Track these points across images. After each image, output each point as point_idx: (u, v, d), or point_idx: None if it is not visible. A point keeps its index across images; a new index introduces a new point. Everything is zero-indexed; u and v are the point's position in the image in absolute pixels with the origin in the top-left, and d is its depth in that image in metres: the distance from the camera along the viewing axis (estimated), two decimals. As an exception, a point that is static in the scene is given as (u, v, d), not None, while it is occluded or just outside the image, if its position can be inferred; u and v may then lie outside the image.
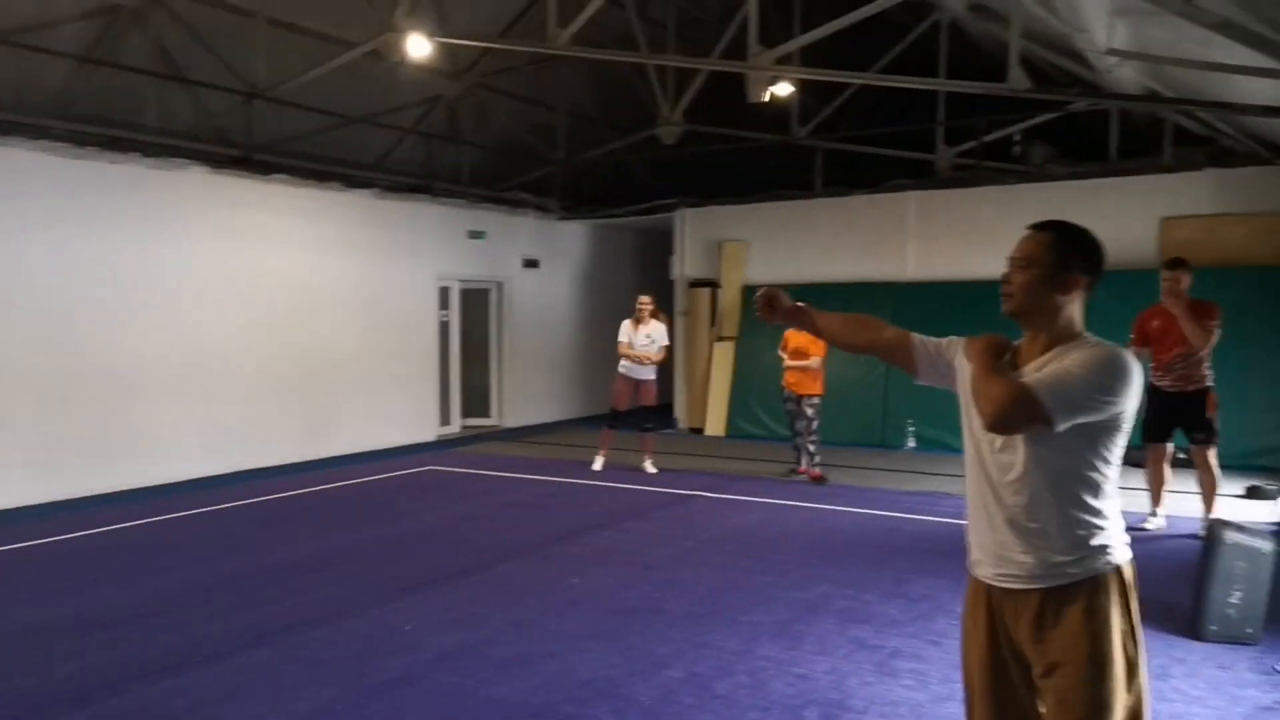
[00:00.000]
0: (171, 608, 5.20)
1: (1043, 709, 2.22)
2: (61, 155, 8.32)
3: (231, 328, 9.65)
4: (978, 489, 2.32)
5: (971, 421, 2.32)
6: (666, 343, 9.65)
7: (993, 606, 2.28)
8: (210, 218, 9.46)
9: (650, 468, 9.58)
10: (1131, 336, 6.76)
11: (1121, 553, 2.23)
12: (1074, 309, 2.25)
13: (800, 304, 2.70)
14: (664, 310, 14.43)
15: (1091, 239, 2.28)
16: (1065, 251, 2.23)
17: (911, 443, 10.90)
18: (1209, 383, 6.46)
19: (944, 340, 2.52)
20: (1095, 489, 2.19)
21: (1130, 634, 2.18)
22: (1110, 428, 2.16)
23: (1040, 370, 2.19)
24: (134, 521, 7.41)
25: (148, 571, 5.96)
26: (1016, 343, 2.35)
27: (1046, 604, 2.18)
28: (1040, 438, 2.15)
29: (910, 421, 10.97)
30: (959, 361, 2.43)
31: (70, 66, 8.69)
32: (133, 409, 8.78)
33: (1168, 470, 6.80)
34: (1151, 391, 6.55)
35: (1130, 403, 2.15)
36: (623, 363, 9.57)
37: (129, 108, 9.53)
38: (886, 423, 11.14)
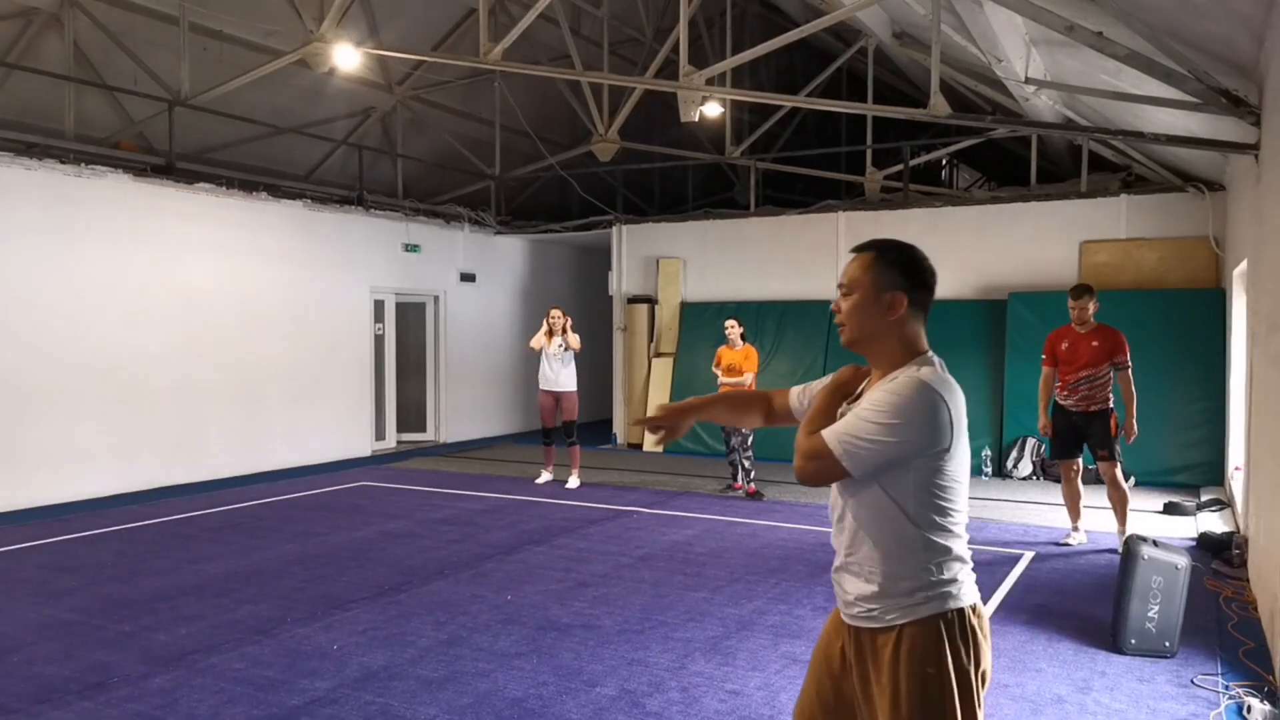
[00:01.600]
0: (88, 628, 5.00)
1: None
2: (-27, 160, 8.01)
3: (154, 340, 9.36)
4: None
5: None
6: (577, 346, 9.57)
7: (843, 636, 2.20)
8: (131, 226, 9.17)
9: (573, 481, 9.58)
10: (1043, 356, 7.02)
11: (958, 598, 2.07)
12: (907, 330, 2.12)
13: (686, 404, 2.57)
14: (603, 326, 14.47)
15: (909, 254, 2.15)
16: (883, 269, 2.12)
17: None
18: (1111, 404, 6.73)
19: (818, 382, 2.36)
20: (919, 529, 2.05)
21: (960, 685, 2.02)
22: (922, 466, 2.02)
23: (854, 406, 2.11)
24: (40, 540, 7.11)
25: (60, 592, 5.72)
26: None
27: (870, 643, 2.11)
28: (850, 482, 2.08)
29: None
30: None
31: (-16, 69, 8.40)
32: (43, 423, 8.45)
33: (1081, 485, 7.02)
34: (1057, 410, 6.85)
35: (932, 437, 2.00)
36: (541, 378, 9.56)
37: (46, 113, 9.23)
38: (819, 439, 11.28)
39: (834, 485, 2.15)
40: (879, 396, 2.04)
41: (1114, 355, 6.61)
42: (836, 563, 2.20)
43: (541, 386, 9.58)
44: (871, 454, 2.00)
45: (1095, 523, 7.30)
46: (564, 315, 9.66)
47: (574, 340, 9.49)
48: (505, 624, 5.10)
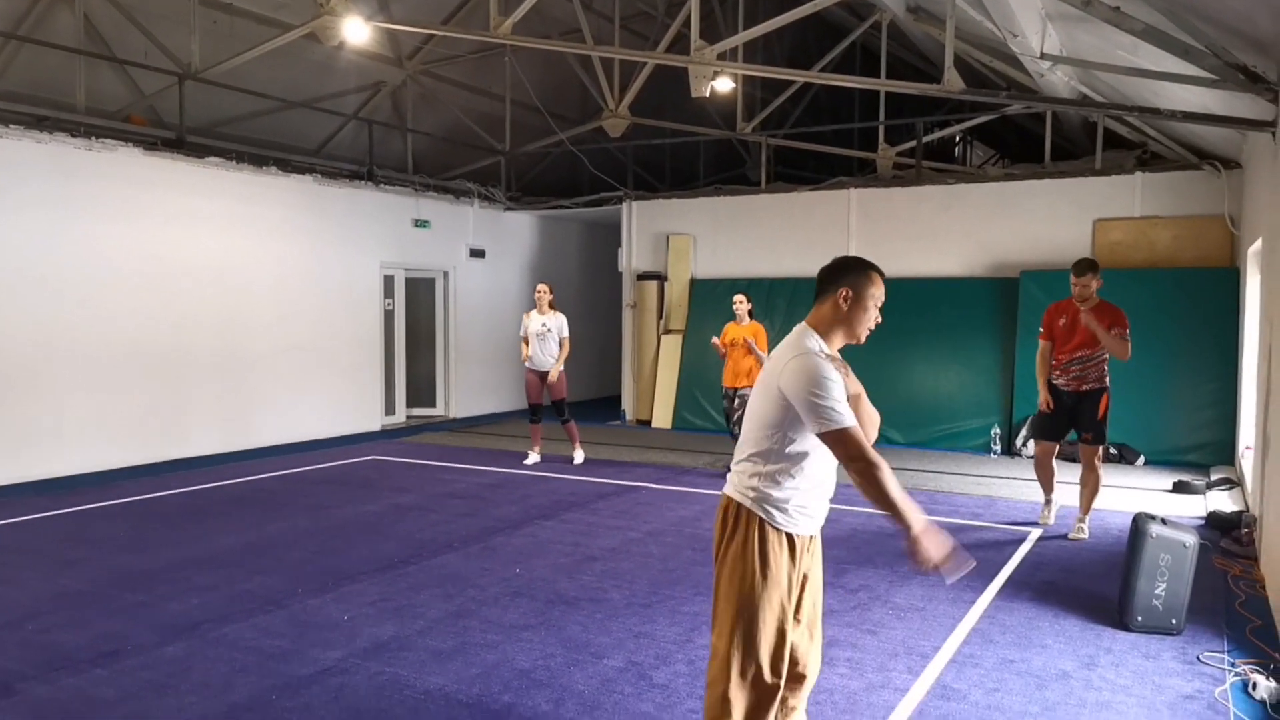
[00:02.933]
0: (103, 598, 5.06)
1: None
2: (-15, 133, 8.03)
3: (166, 314, 9.41)
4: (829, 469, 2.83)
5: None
6: (565, 334, 9.38)
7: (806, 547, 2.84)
8: (142, 200, 9.19)
9: (578, 456, 9.58)
10: (1040, 330, 6.77)
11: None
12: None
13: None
14: (612, 303, 14.46)
15: (842, 261, 2.91)
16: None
17: (852, 437, 11.06)
18: (1107, 383, 6.49)
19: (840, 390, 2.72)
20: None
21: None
22: None
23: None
24: (52, 512, 7.19)
25: (73, 562, 5.79)
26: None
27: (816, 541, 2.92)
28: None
29: (851, 416, 11.14)
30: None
31: (-5, 42, 8.40)
32: (55, 396, 8.52)
33: (1055, 465, 6.82)
34: (1049, 389, 6.60)
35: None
36: (528, 357, 9.45)
37: (57, 87, 9.24)
38: (828, 417, 11.30)
39: (833, 447, 2.68)
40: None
41: (1113, 329, 6.29)
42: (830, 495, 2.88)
43: (528, 365, 9.49)
44: None
45: (1103, 502, 7.29)
46: (550, 290, 9.54)
47: (559, 366, 9.33)
48: (514, 597, 5.14)
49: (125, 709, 3.70)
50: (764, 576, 2.71)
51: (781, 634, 2.73)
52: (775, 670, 2.73)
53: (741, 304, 8.86)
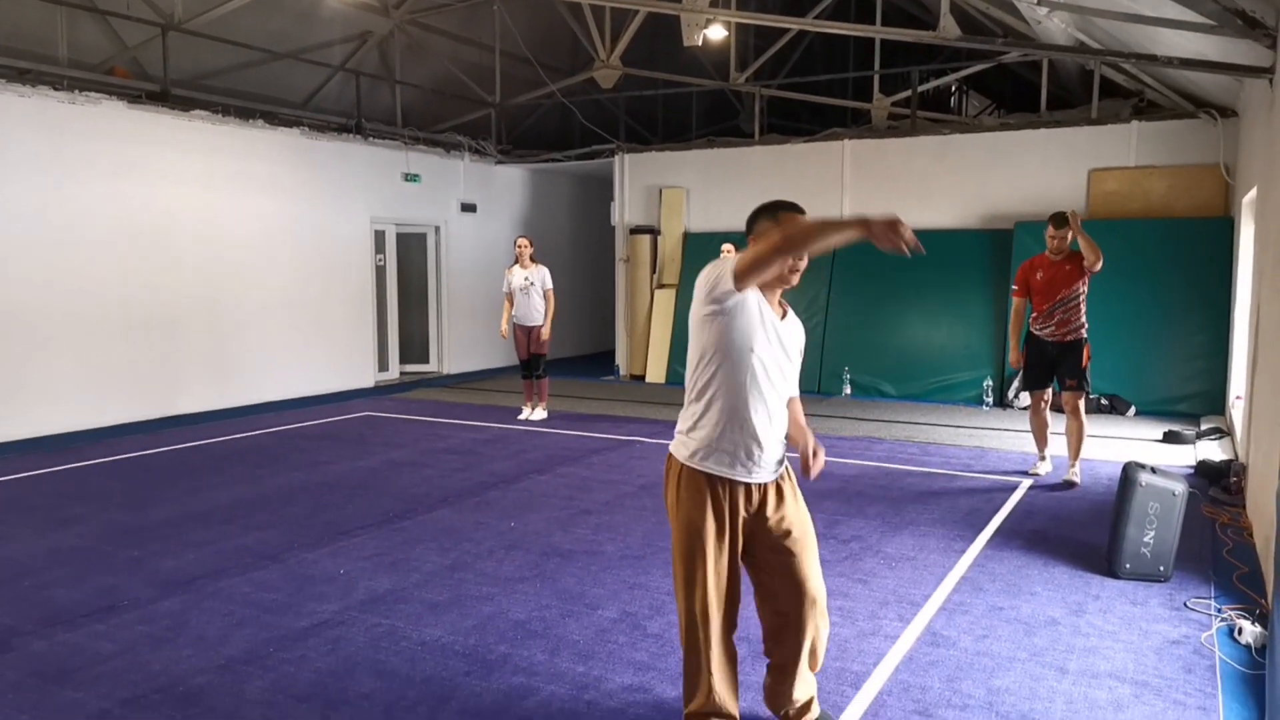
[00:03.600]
0: (98, 554, 5.09)
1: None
2: (-36, 87, 7.88)
3: (155, 270, 9.34)
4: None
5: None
6: (549, 286, 9.37)
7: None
8: (129, 155, 9.07)
9: (538, 414, 9.56)
10: (1014, 288, 6.89)
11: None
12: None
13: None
14: (605, 257, 14.38)
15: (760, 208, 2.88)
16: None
17: (847, 389, 11.10)
18: (1085, 334, 6.61)
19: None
20: None
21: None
22: None
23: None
24: (46, 469, 7.20)
25: (68, 519, 5.80)
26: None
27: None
28: None
29: (846, 369, 11.16)
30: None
31: (-29, -8, 8.21)
32: (43, 355, 8.48)
33: (1049, 415, 6.97)
34: (1030, 341, 6.77)
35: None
36: (513, 312, 9.44)
37: (37, 38, 9.06)
38: (824, 370, 11.32)
39: (746, 275, 2.72)
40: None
41: (1084, 263, 6.43)
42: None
43: (515, 320, 9.46)
44: None
45: (1093, 452, 7.34)
46: (530, 244, 9.49)
47: (547, 325, 9.36)
48: (508, 550, 5.17)
49: (123, 662, 3.73)
50: (682, 516, 2.81)
51: (704, 574, 2.79)
52: (703, 612, 2.80)
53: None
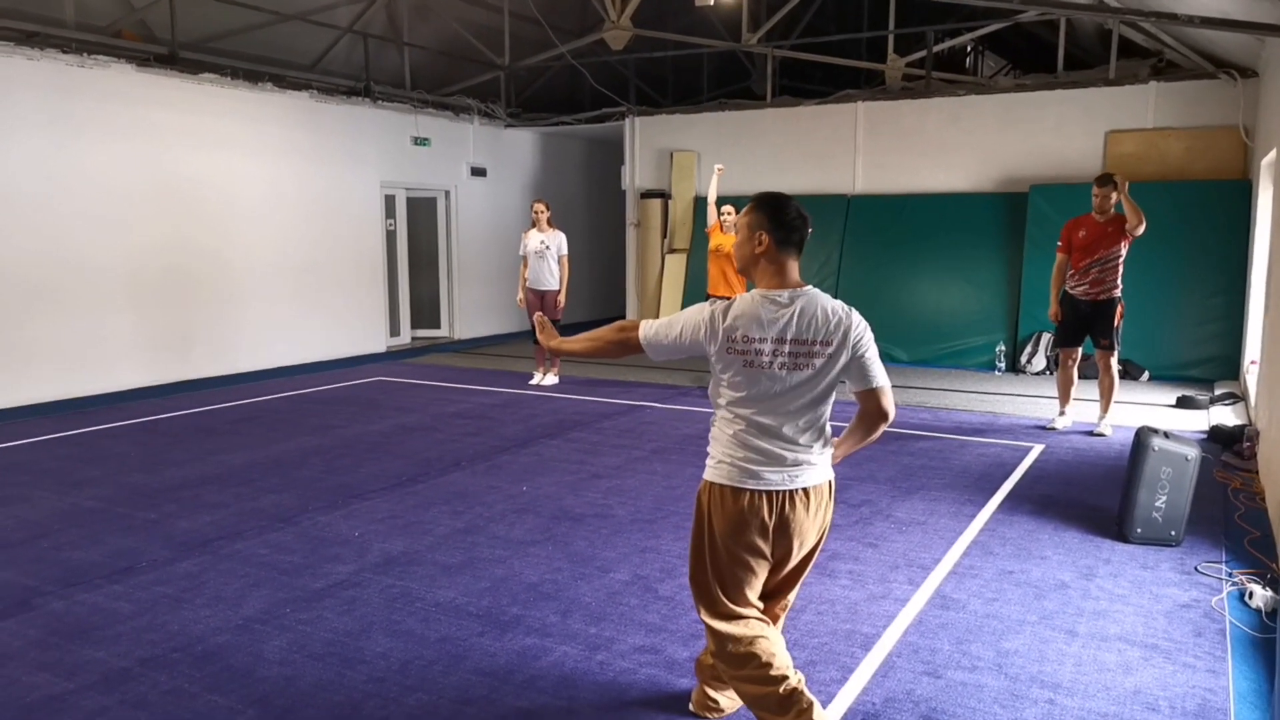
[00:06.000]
0: (115, 516, 5.14)
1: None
2: (-28, 50, 7.84)
3: (166, 234, 9.34)
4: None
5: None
6: (565, 252, 9.37)
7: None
8: (138, 118, 9.03)
9: (550, 379, 9.55)
10: (1059, 244, 7.13)
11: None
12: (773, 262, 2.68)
13: (553, 341, 3.04)
14: (616, 221, 14.30)
15: (774, 201, 2.69)
16: (754, 214, 2.69)
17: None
18: (1119, 293, 6.86)
19: (701, 322, 2.70)
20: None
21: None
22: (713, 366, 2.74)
23: None
24: (61, 433, 7.26)
25: (83, 482, 5.86)
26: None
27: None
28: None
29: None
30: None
31: (-23, -47, 8.14)
32: (51, 318, 8.51)
33: (1076, 374, 7.25)
34: (1065, 299, 7.03)
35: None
36: (526, 276, 9.43)
37: (45, 1, 8.99)
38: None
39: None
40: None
41: (1126, 226, 6.72)
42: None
43: (528, 285, 9.46)
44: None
45: (1112, 417, 7.30)
46: (547, 208, 9.47)
47: (563, 292, 9.40)
48: (520, 513, 5.21)
49: (141, 621, 3.78)
50: (700, 524, 2.79)
51: (719, 579, 2.75)
52: (719, 609, 2.76)
53: (731, 215, 8.72)
